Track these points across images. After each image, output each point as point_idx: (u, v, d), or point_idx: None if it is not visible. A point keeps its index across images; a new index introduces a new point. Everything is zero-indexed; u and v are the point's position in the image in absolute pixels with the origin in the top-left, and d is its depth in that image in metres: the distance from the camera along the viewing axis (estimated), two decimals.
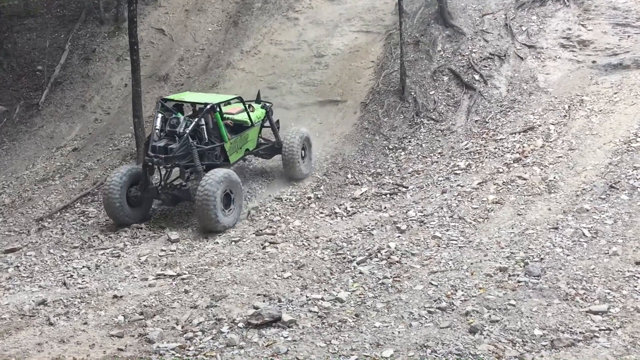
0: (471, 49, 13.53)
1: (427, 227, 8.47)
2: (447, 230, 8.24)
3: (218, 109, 10.24)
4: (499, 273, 6.78)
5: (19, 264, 8.90)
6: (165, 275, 7.84)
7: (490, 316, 5.83)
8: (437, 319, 5.89)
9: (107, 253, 9.08)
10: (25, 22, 18.49)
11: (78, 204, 11.50)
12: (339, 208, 10.05)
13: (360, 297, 6.53)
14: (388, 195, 10.22)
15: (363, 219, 9.31)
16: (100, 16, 17.88)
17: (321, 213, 9.99)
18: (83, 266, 8.57)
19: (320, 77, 14.48)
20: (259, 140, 11.58)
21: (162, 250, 9.02)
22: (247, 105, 11.08)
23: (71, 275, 8.24)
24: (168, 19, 17.78)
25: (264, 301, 6.59)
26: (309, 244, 8.55)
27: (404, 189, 10.32)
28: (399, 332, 5.69)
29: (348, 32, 15.75)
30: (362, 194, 10.51)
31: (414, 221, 8.76)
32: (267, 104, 11.87)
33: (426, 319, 5.93)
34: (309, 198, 10.75)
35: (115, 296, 7.12)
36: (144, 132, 12.65)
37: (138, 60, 12.62)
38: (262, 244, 8.73)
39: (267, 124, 11.73)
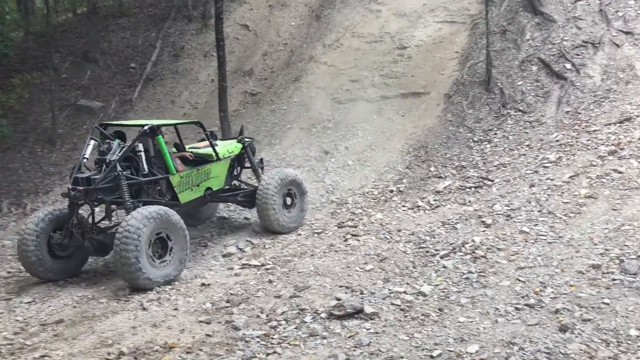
0: (562, 37, 12.94)
1: (514, 221, 8.20)
2: (536, 225, 7.94)
3: (162, 133, 8.32)
4: (592, 270, 6.46)
5: None
6: (250, 265, 8.03)
7: (582, 315, 5.57)
8: (524, 316, 5.70)
9: (195, 243, 9.41)
10: (120, 21, 19.47)
11: None
12: (422, 201, 9.93)
13: (443, 292, 6.42)
14: (473, 189, 9.98)
15: (447, 213, 9.15)
16: (189, 14, 18.53)
17: (403, 206, 9.90)
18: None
19: (402, 69, 14.32)
20: (232, 182, 9.70)
21: (246, 240, 9.24)
22: (209, 134, 9.20)
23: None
24: (252, 15, 18.16)
25: (346, 293, 6.61)
26: (391, 237, 8.51)
27: (489, 182, 10.04)
28: (484, 327, 5.55)
29: (432, 22, 15.48)
30: (445, 187, 10.32)
31: (500, 215, 8.51)
32: (247, 140, 9.92)
33: (513, 315, 5.74)
34: (391, 191, 10.68)
35: (203, 284, 7.37)
36: (229, 125, 13.02)
37: (224, 56, 12.99)
38: (344, 237, 8.77)
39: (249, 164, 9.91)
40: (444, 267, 7.10)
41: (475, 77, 13.14)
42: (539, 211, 8.36)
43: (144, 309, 6.65)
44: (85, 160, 7.97)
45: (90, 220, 8.17)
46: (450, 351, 5.16)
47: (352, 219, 9.58)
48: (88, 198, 7.64)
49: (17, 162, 14.32)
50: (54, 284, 7.97)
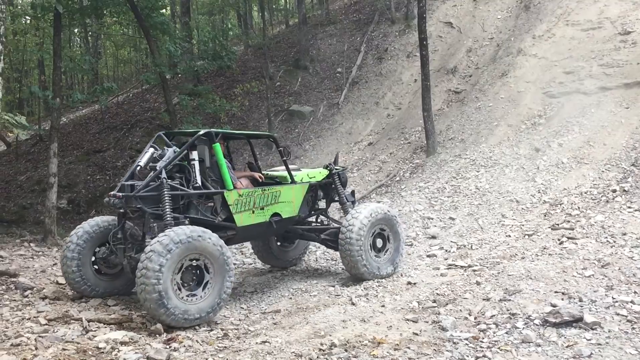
0: None
1: None
2: None
3: (219, 140, 7.00)
4: None
5: (322, 249, 9.83)
6: (456, 265, 7.87)
7: None
8: None
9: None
10: (327, 29, 20.48)
11: (374, 194, 12.27)
12: None
13: None
14: None
15: None
16: (392, 16, 18.81)
17: (629, 207, 8.92)
18: None
19: (626, 56, 12.93)
20: (311, 213, 8.24)
21: (451, 241, 9.08)
22: (282, 150, 7.80)
23: None
24: (456, 11, 17.83)
25: (562, 299, 6.14)
26: (614, 241, 7.72)
27: None
28: None
29: None
30: None
31: None
32: (337, 169, 8.31)
33: None
34: (614, 191, 9.69)
35: (409, 283, 7.39)
36: (433, 125, 12.94)
37: (427, 55, 12.95)
38: (559, 239, 8.18)
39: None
40: None
41: None
42: None
43: (353, 304, 6.87)
44: (138, 168, 6.86)
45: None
46: None
47: (568, 221, 8.88)
48: (127, 206, 6.50)
49: (240, 164, 15.77)
50: (272, 276, 8.62)
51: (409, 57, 17.26)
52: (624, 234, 7.87)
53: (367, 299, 7.01)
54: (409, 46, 17.50)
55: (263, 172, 8.01)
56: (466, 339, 5.51)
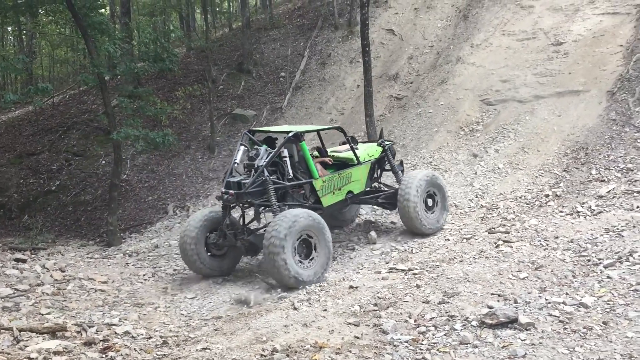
0: None
1: None
2: None
3: (304, 139, 8.59)
4: None
5: None
6: (397, 269, 7.98)
7: None
8: None
9: (343, 246, 9.57)
10: (271, 33, 20.44)
11: None
12: (582, 206, 9.24)
13: (608, 304, 5.90)
14: None
15: (611, 219, 8.42)
16: (335, 22, 18.96)
17: (561, 212, 9.28)
18: None
19: (558, 66, 13.47)
20: (373, 185, 9.84)
21: (392, 245, 9.21)
22: (350, 138, 9.38)
23: None
24: (398, 19, 18.14)
25: (498, 301, 6.32)
26: (547, 244, 8.01)
27: None
28: None
29: (591, 15, 14.41)
30: (609, 191, 9.51)
31: None
32: (387, 142, 9.97)
33: None
34: (547, 195, 10.06)
35: (351, 287, 7.45)
36: (375, 130, 13.09)
37: (369, 61, 13.11)
38: (495, 243, 8.42)
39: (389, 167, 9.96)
40: (609, 277, 6.52)
41: None
42: None
43: (295, 308, 6.86)
44: (235, 164, 8.39)
45: (241, 221, 8.72)
46: None
47: (504, 225, 9.17)
48: (239, 201, 8.10)
49: (181, 168, 15.53)
50: (213, 281, 8.51)
51: (351, 63, 17.43)
52: (556, 237, 8.18)
53: (310, 303, 7.02)
54: (352, 52, 17.67)
55: (329, 153, 9.48)
56: (406, 342, 5.59)
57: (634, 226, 7.90)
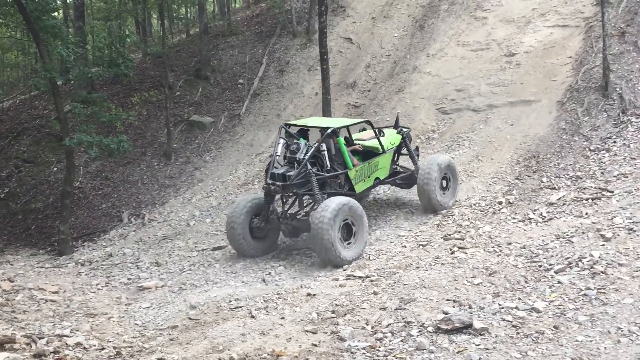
0: None
1: (638, 235, 7.60)
2: None
3: (340, 134, 9.55)
4: None
5: (224, 261, 9.72)
6: (354, 276, 8.01)
7: None
8: None
9: (301, 253, 9.56)
10: (229, 40, 20.34)
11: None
12: (534, 213, 9.47)
13: (559, 308, 6.06)
14: (590, 200, 9.39)
15: (561, 225, 8.66)
16: (294, 30, 19.01)
17: (513, 218, 9.50)
18: (280, 265, 9.13)
19: (511, 76, 13.83)
20: (394, 169, 10.62)
21: None
22: (377, 131, 10.13)
23: (269, 273, 8.81)
24: (355, 27, 18.31)
25: (453, 307, 6.42)
26: (500, 250, 8.17)
27: (608, 194, 9.41)
28: (605, 348, 5.17)
29: (542, 27, 14.87)
30: (559, 198, 9.79)
31: (622, 229, 7.92)
32: (405, 129, 10.86)
33: (638, 335, 5.31)
34: (500, 203, 10.29)
35: (308, 294, 7.45)
36: None
37: (328, 69, 13.18)
38: (450, 249, 8.54)
39: (404, 151, 10.80)
40: (559, 282, 6.70)
41: (590, 83, 12.43)
42: None
43: (252, 317, 6.82)
44: (277, 157, 9.34)
45: (281, 209, 9.70)
46: None
47: (459, 231, 9.32)
48: (285, 191, 9.13)
49: (136, 175, 15.28)
50: (169, 290, 8.38)
51: (310, 71, 17.49)
52: (509, 244, 8.35)
53: (267, 311, 6.99)
54: (310, 60, 17.74)
55: (355, 141, 10.22)
56: (363, 349, 5.62)
57: (583, 232, 8.13)
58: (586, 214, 8.90)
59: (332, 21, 18.21)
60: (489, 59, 14.61)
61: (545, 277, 6.97)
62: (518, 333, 5.62)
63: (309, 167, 8.98)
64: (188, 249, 10.74)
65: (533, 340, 5.45)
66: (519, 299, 6.44)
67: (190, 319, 7.08)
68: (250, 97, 17.29)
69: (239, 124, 16.55)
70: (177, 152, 15.91)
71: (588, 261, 7.04)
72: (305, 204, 9.70)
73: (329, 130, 9.20)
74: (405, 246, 9.10)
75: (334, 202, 8.50)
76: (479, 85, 14.01)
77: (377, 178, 10.07)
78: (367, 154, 10.04)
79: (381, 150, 10.08)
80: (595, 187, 9.79)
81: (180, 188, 14.52)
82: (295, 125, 9.93)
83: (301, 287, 7.88)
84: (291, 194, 9.43)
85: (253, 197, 9.75)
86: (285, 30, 19.47)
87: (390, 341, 5.76)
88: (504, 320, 5.90)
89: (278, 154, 9.36)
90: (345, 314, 6.59)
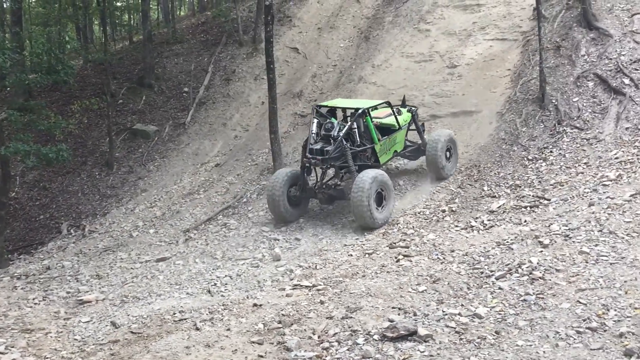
0: (619, 52, 12.58)
1: (573, 241, 7.90)
2: (596, 245, 7.64)
3: (369, 113, 10.91)
4: None
5: (168, 272, 9.54)
6: (301, 285, 8.00)
7: None
8: (587, 340, 5.46)
9: (247, 263, 9.48)
10: (174, 48, 20.05)
11: (220, 216, 12.14)
12: (475, 221, 9.71)
13: (500, 314, 6.23)
14: (528, 208, 9.71)
15: (501, 233, 8.91)
16: (240, 39, 18.92)
17: (456, 226, 9.71)
18: (225, 275, 9.02)
19: (453, 87, 14.18)
20: (406, 143, 11.89)
21: (297, 262, 9.23)
22: (394, 110, 11.48)
23: (215, 284, 8.69)
24: (302, 37, 18.40)
25: (398, 314, 6.50)
26: (444, 258, 8.33)
27: (545, 202, 9.75)
28: (544, 352, 5.34)
29: (482, 40, 15.34)
30: (499, 206, 10.08)
31: (558, 235, 8.22)
32: (413, 108, 12.25)
33: (574, 339, 5.51)
34: (443, 211, 10.50)
35: (255, 304, 7.38)
36: (280, 147, 13.14)
37: (274, 79, 13.16)
38: (395, 257, 8.64)
39: (412, 127, 12.01)
40: (500, 288, 6.89)
41: (528, 95, 12.89)
42: (600, 231, 8.04)
43: (197, 329, 6.71)
44: (313, 135, 10.70)
45: (322, 179, 11.19)
46: None
47: (404, 240, 9.45)
48: (324, 164, 10.60)
49: (76, 185, 14.84)
50: (110, 303, 8.15)
51: (256, 80, 17.43)
52: (452, 251, 8.53)
53: (212, 323, 6.89)
54: (257, 69, 17.68)
55: (373, 119, 11.17)
56: (310, 358, 5.62)
57: (522, 239, 8.39)
58: (525, 221, 9.18)
59: (279, 31, 18.23)
60: (432, 70, 14.95)
61: (486, 283, 7.15)
62: (461, 339, 5.73)
63: (344, 142, 10.36)
64: (131, 261, 10.49)
65: (475, 345, 5.57)
66: (462, 305, 6.57)
67: (132, 332, 6.90)
68: (196, 106, 17.07)
69: (184, 133, 16.31)
70: (119, 161, 15.54)
71: (527, 267, 7.26)
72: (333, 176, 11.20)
73: (360, 111, 10.64)
74: (351, 255, 9.15)
75: (370, 175, 9.91)
76: (423, 96, 14.30)
77: (395, 151, 11.47)
78: (382, 130, 11.29)
79: (397, 126, 11.39)
80: (533, 196, 10.12)
81: (122, 198, 14.17)
82: (325, 106, 11.26)
83: (247, 297, 7.81)
84: (329, 167, 10.79)
85: (290, 169, 11.14)
86: (232, 39, 19.35)
87: (336, 350, 5.78)
88: (447, 326, 6.01)
89: (314, 132, 10.74)
90: (292, 324, 6.56)
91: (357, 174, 10.15)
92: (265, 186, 11.48)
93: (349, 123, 10.67)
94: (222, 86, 17.60)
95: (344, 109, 11.29)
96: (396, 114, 11.44)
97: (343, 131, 10.48)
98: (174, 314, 7.44)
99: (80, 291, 9.07)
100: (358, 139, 10.73)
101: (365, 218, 9.94)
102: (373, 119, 11.15)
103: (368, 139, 10.88)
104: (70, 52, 18.75)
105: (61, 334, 7.24)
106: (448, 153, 11.67)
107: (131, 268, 10.07)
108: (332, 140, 10.48)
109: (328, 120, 10.76)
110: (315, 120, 10.89)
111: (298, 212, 11.08)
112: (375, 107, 11.27)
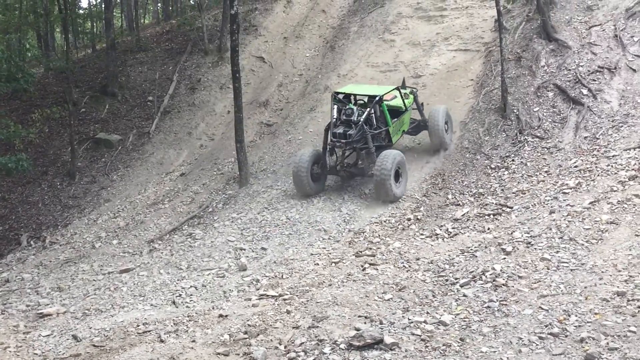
0: (578, 63, 12.93)
1: (535, 248, 8.07)
2: (557, 252, 7.81)
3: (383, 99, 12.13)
4: (617, 298, 6.32)
5: (132, 284, 9.38)
6: (267, 295, 7.96)
7: (608, 343, 5.43)
8: (549, 345, 5.57)
9: (213, 273, 9.38)
10: (138, 56, 19.81)
11: (186, 226, 12.00)
12: (440, 229, 9.83)
13: (464, 321, 6.30)
14: (491, 216, 9.88)
15: (465, 241, 9.04)
16: (205, 47, 18.80)
17: (421, 234, 9.81)
18: (190, 286, 8.91)
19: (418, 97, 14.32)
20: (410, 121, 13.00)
21: (263, 272, 9.19)
22: (402, 94, 12.50)
23: (180, 295, 8.58)
24: (268, 47, 18.39)
25: (365, 323, 6.52)
26: (409, 266, 8.40)
27: (508, 210, 9.93)
28: (507, 358, 5.43)
29: (445, 51, 15.58)
30: (463, 214, 10.22)
31: (520, 243, 8.38)
32: (414, 89, 13.39)
33: (537, 344, 5.61)
34: (409, 219, 10.59)
35: (220, 315, 7.31)
36: (246, 156, 13.09)
37: (240, 88, 13.13)
38: (362, 266, 8.68)
39: (414, 106, 13.05)
40: (465, 295, 6.98)
41: (490, 104, 13.13)
42: (560, 238, 8.23)
43: (161, 341, 6.61)
44: (334, 119, 11.74)
45: (342, 159, 12.23)
46: None
47: (370, 248, 9.49)
48: (347, 146, 11.62)
49: (37, 195, 14.50)
50: (71, 316, 7.97)
51: (222, 89, 17.34)
52: (418, 259, 8.61)
53: (177, 334, 6.80)
54: (222, 78, 17.58)
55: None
56: None
57: (485, 247, 8.53)
58: (488, 229, 9.33)
59: (245, 40, 18.19)
60: (397, 80, 15.08)
61: (451, 290, 7.23)
62: (427, 346, 5.78)
63: (365, 126, 11.47)
64: (93, 273, 10.28)
65: (441, 353, 5.62)
66: (428, 312, 6.64)
67: (94, 346, 6.77)
68: (161, 115, 16.88)
69: (149, 142, 16.10)
70: (81, 171, 15.25)
71: (490, 274, 7.37)
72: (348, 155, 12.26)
73: (377, 98, 11.79)
74: (317, 264, 9.15)
75: (390, 156, 10.98)
76: None
77: (403, 131, 12.64)
78: (391, 112, 12.24)
79: (404, 108, 12.47)
80: (496, 203, 10.30)
81: (85, 208, 13.89)
82: (343, 93, 12.33)
83: (213, 308, 7.74)
84: (351, 149, 11.79)
85: (312, 150, 12.09)
86: (197, 47, 19.22)
87: None
88: (413, 334, 6.05)
89: (335, 117, 11.78)
90: (258, 334, 6.52)
91: (376, 154, 11.31)
92: (291, 165, 12.55)
93: (368, 109, 11.72)
94: (188, 95, 17.46)
95: (370, 97, 12.16)
96: (403, 97, 12.47)
97: (363, 116, 11.54)
98: (138, 326, 7.32)
99: (41, 304, 8.85)
100: (375, 123, 11.91)
101: (386, 192, 11.05)
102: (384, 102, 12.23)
103: (383, 122, 12.04)
104: (30, 60, 18.34)
105: (20, 348, 7.05)
106: (446, 125, 12.72)
107: (93, 280, 9.87)
108: (352, 125, 11.54)
109: (348, 107, 11.82)
110: (335, 106, 11.94)
111: (318, 187, 12.09)
112: (388, 93, 12.43)
